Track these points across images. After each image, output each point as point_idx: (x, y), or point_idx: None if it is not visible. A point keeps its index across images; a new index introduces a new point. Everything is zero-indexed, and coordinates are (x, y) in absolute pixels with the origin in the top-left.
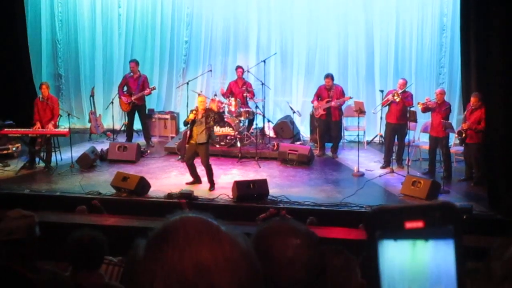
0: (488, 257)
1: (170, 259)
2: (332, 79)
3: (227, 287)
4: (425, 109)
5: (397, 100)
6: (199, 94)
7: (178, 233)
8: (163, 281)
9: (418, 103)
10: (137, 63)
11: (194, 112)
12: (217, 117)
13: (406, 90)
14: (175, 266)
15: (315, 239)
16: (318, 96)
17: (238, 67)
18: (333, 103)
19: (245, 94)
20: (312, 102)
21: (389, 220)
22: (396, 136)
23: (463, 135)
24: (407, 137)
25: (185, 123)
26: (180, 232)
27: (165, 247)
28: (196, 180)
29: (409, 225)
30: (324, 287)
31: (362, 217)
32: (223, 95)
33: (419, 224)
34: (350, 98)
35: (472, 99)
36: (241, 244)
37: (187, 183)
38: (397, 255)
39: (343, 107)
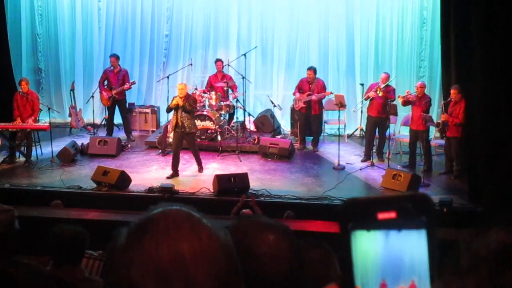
0: (456, 249)
1: (148, 248)
2: (315, 72)
3: (203, 279)
4: (406, 103)
5: (380, 94)
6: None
7: (158, 223)
8: (140, 270)
9: (399, 96)
10: (117, 57)
11: (176, 98)
12: (192, 103)
13: (389, 84)
14: (152, 255)
15: (290, 232)
16: (300, 88)
17: (218, 60)
18: (313, 97)
19: (225, 88)
20: (294, 94)
21: (361, 212)
22: (377, 130)
23: (440, 126)
24: (387, 130)
25: (168, 110)
26: (161, 223)
27: (145, 237)
28: (175, 173)
29: (381, 216)
30: (303, 280)
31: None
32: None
33: (391, 215)
34: (331, 93)
35: (452, 91)
36: (220, 237)
37: (167, 177)
38: (370, 246)
39: (324, 101)
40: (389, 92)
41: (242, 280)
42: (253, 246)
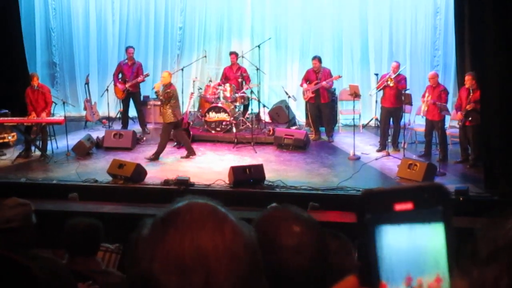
0: (474, 238)
1: (171, 241)
2: (320, 61)
3: (224, 275)
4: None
5: (391, 84)
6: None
7: (183, 216)
8: (162, 263)
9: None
10: (134, 49)
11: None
12: (169, 93)
13: (400, 73)
14: (174, 249)
15: (317, 225)
16: (307, 79)
17: (232, 53)
18: (324, 83)
19: (240, 80)
20: (301, 85)
21: (378, 203)
22: (391, 120)
23: (469, 117)
24: (402, 120)
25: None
26: (185, 216)
27: (168, 229)
28: (189, 152)
29: (398, 207)
30: (326, 274)
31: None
32: (221, 81)
33: (408, 205)
34: (340, 77)
35: (467, 78)
36: (244, 234)
37: (182, 157)
38: (393, 240)
39: (338, 91)
40: (399, 81)
41: (263, 277)
42: (277, 237)
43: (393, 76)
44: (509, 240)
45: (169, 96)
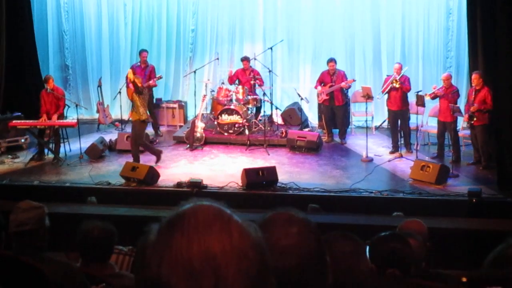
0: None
1: (179, 245)
2: (336, 63)
3: (233, 276)
4: (434, 97)
5: (397, 86)
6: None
7: (189, 220)
8: (170, 267)
9: (426, 94)
10: (147, 52)
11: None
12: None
13: (403, 74)
14: (182, 253)
15: (312, 227)
16: (321, 81)
17: (244, 59)
18: (342, 84)
19: (252, 82)
20: (315, 87)
21: None
22: (399, 122)
23: (474, 118)
24: (415, 121)
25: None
26: (191, 219)
27: (175, 233)
28: (157, 156)
29: None
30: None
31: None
32: (230, 79)
33: None
34: (354, 80)
35: (474, 77)
36: (251, 235)
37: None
38: None
39: (350, 93)
40: (403, 82)
41: (272, 277)
42: (272, 238)
43: (397, 77)
44: None
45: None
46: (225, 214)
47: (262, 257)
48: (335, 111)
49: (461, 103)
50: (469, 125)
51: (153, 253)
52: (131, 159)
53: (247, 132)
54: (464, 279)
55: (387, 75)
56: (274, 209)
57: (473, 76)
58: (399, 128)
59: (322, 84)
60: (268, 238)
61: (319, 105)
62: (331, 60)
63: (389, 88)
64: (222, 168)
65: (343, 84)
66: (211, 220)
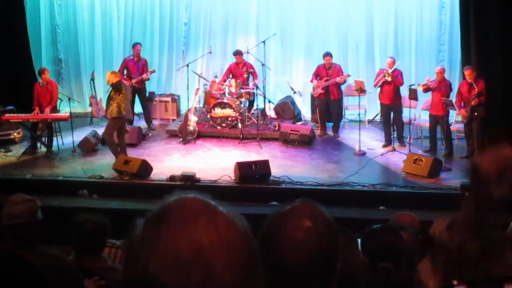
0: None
1: (166, 238)
2: (332, 57)
3: (222, 267)
4: (427, 89)
5: (389, 79)
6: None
7: (174, 213)
8: (158, 261)
9: (419, 85)
10: (141, 45)
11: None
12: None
13: (396, 68)
14: (170, 246)
15: (331, 223)
16: (317, 75)
17: (236, 53)
18: (338, 79)
19: (245, 75)
20: (311, 81)
21: None
22: (392, 116)
23: (475, 113)
24: (407, 115)
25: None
26: (177, 212)
27: (162, 227)
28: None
29: None
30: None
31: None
32: (223, 78)
33: None
34: (349, 75)
35: (468, 72)
36: (238, 225)
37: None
38: None
39: (344, 87)
40: (396, 76)
41: (260, 266)
42: (286, 231)
43: (390, 71)
44: None
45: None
46: (211, 206)
47: (250, 247)
48: (330, 105)
49: (453, 97)
50: (468, 119)
51: (141, 248)
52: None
53: (240, 125)
54: (455, 282)
55: (380, 69)
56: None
57: (467, 71)
58: (392, 122)
59: (318, 78)
60: (282, 231)
61: (312, 98)
62: (327, 54)
63: (381, 82)
64: (215, 162)
65: (338, 79)
66: (197, 212)
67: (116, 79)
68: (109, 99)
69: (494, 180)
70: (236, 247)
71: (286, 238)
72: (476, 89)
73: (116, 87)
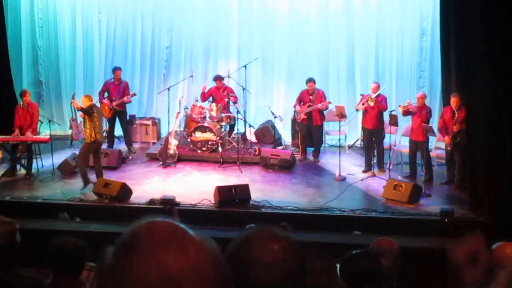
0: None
1: (136, 268)
2: (315, 82)
3: None
4: (406, 113)
5: (372, 104)
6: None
7: (143, 240)
8: None
9: (400, 106)
10: (121, 70)
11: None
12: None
13: (380, 93)
14: (140, 275)
15: (295, 244)
16: (300, 100)
17: (216, 78)
18: (319, 105)
19: (226, 99)
20: (294, 106)
21: None
22: (374, 141)
23: (458, 138)
24: (388, 141)
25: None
26: (146, 239)
27: (131, 255)
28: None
29: None
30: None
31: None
32: (202, 96)
33: None
34: (330, 102)
35: (454, 99)
36: (208, 248)
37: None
38: None
39: (325, 112)
40: (380, 101)
41: None
42: (254, 254)
43: (373, 96)
44: None
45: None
46: (180, 230)
47: (221, 271)
48: (312, 130)
49: (434, 123)
50: (452, 145)
51: (110, 278)
52: (104, 176)
53: (220, 149)
54: None
55: (362, 94)
56: (254, 226)
57: (453, 98)
58: (373, 147)
59: (302, 103)
60: (250, 254)
61: (293, 123)
62: (310, 80)
63: (364, 106)
64: (195, 185)
65: (319, 105)
66: (165, 238)
67: (88, 103)
68: (85, 124)
69: (466, 266)
70: (207, 272)
71: (255, 261)
72: (457, 116)
73: (87, 112)
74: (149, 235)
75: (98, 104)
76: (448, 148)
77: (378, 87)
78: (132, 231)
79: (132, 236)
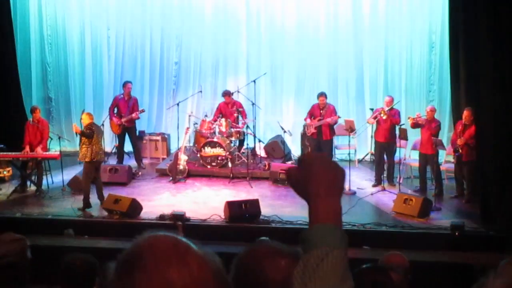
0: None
1: (139, 284)
2: (326, 97)
3: None
4: (415, 125)
5: (384, 117)
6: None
7: (146, 255)
8: None
9: (409, 118)
10: (132, 84)
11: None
12: (85, 131)
13: (393, 107)
14: None
15: (297, 253)
16: (311, 114)
17: (225, 94)
18: (328, 120)
19: (236, 114)
20: (305, 119)
21: None
22: (385, 154)
23: (460, 151)
24: (398, 154)
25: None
26: (148, 254)
27: (133, 271)
28: (84, 203)
29: None
30: None
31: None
32: (214, 118)
33: None
34: (339, 117)
35: (466, 113)
36: (210, 263)
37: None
38: None
39: (335, 126)
40: (393, 115)
41: None
42: (263, 272)
43: (386, 109)
44: None
45: (91, 132)
46: (182, 245)
47: (223, 284)
48: (321, 144)
49: (444, 136)
50: (456, 157)
51: None
52: (113, 191)
53: (230, 164)
54: None
55: (372, 109)
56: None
57: (465, 112)
58: (384, 161)
59: (312, 117)
60: (256, 272)
61: (302, 138)
62: (322, 95)
63: (375, 120)
64: (205, 201)
65: (329, 119)
66: (168, 252)
67: (89, 121)
68: (81, 142)
69: None
70: (209, 286)
71: (265, 281)
72: (466, 130)
73: (88, 136)
74: (151, 250)
75: (107, 121)
76: (452, 161)
77: (392, 101)
78: (134, 247)
79: (134, 252)
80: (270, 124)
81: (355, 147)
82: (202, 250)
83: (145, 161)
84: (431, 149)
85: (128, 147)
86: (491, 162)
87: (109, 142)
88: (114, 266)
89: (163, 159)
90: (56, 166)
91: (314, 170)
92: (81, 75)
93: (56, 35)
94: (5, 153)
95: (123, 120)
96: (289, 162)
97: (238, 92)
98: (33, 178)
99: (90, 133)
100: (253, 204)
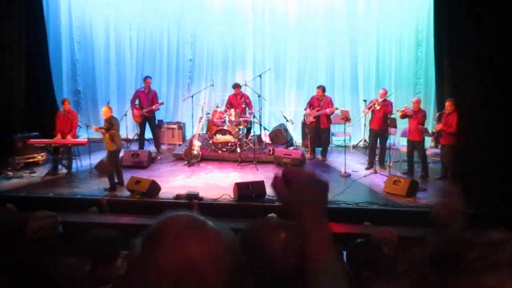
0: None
1: (161, 256)
2: (323, 90)
3: (213, 278)
4: (404, 116)
5: (378, 108)
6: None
7: (167, 231)
8: (156, 277)
9: (398, 111)
10: (151, 79)
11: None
12: (106, 124)
13: (387, 99)
14: (165, 262)
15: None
16: (310, 104)
17: (235, 86)
18: (327, 111)
19: (243, 105)
20: (305, 109)
21: None
22: (378, 140)
23: (435, 135)
24: (388, 141)
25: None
26: (169, 230)
27: (156, 245)
28: (110, 186)
29: None
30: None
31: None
32: (225, 108)
33: None
34: (337, 109)
35: (447, 104)
36: (225, 237)
37: (105, 189)
38: None
39: (332, 116)
40: (387, 105)
41: (249, 274)
42: (265, 244)
43: (380, 100)
44: (424, 257)
45: (110, 125)
46: (199, 221)
47: (238, 257)
48: (320, 132)
49: (429, 125)
50: (436, 143)
51: (139, 266)
52: (135, 174)
53: (238, 150)
54: None
55: (365, 100)
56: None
57: (447, 103)
58: (377, 147)
59: (311, 107)
60: (259, 244)
61: (303, 126)
62: (319, 87)
63: (369, 110)
64: (216, 182)
65: (327, 110)
66: (187, 228)
67: (109, 114)
68: (104, 135)
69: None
70: (225, 258)
71: (266, 251)
72: (445, 118)
73: (106, 129)
74: (172, 226)
75: (129, 112)
76: (433, 144)
77: (385, 93)
78: (157, 224)
79: (157, 228)
80: (274, 113)
81: (350, 134)
82: (218, 225)
83: (163, 147)
84: (418, 136)
85: (148, 134)
86: (470, 147)
87: (131, 130)
88: (139, 241)
89: (179, 145)
90: (84, 151)
91: (299, 190)
92: (106, 70)
93: (84, 35)
94: (39, 139)
95: (144, 110)
96: (291, 148)
97: (246, 85)
98: (64, 162)
99: (109, 127)
100: (259, 185)
